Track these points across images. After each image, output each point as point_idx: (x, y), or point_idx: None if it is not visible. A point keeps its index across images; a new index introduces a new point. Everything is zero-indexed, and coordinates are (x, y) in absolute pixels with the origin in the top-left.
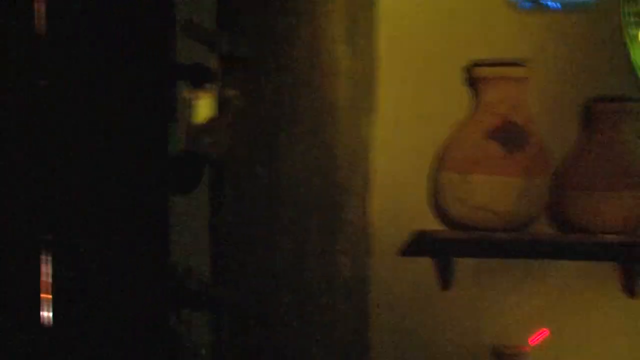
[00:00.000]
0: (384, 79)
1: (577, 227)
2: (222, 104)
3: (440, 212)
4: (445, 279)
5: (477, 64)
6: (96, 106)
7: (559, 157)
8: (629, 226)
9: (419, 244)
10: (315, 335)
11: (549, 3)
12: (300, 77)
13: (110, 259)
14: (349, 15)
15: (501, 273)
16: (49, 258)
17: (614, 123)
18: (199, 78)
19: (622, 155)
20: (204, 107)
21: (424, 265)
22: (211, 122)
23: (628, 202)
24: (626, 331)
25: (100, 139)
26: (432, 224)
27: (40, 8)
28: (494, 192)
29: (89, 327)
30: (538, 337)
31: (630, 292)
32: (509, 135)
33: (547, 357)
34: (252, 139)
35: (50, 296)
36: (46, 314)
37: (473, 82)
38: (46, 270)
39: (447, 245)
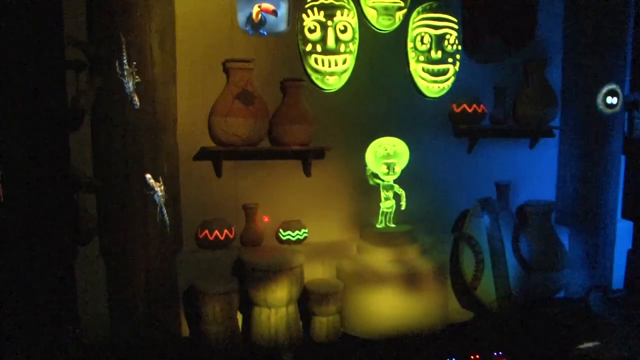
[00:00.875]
0: (181, 68)
1: (281, 143)
2: (91, 81)
3: (214, 137)
4: (218, 171)
5: (228, 60)
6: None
7: (272, 108)
8: (304, 142)
9: (203, 154)
10: (142, 198)
11: (262, 32)
12: (135, 66)
13: (29, 167)
14: (160, 32)
15: (245, 167)
16: None
17: (295, 91)
18: (79, 68)
19: (299, 108)
20: (83, 84)
21: (207, 165)
22: (83, 91)
23: (302, 130)
24: (305, 194)
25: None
26: (210, 143)
27: None
28: (239, 126)
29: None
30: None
31: (307, 174)
32: (246, 97)
33: (269, 207)
34: (111, 100)
35: None
36: None
37: (226, 70)
38: None
39: (218, 154)
